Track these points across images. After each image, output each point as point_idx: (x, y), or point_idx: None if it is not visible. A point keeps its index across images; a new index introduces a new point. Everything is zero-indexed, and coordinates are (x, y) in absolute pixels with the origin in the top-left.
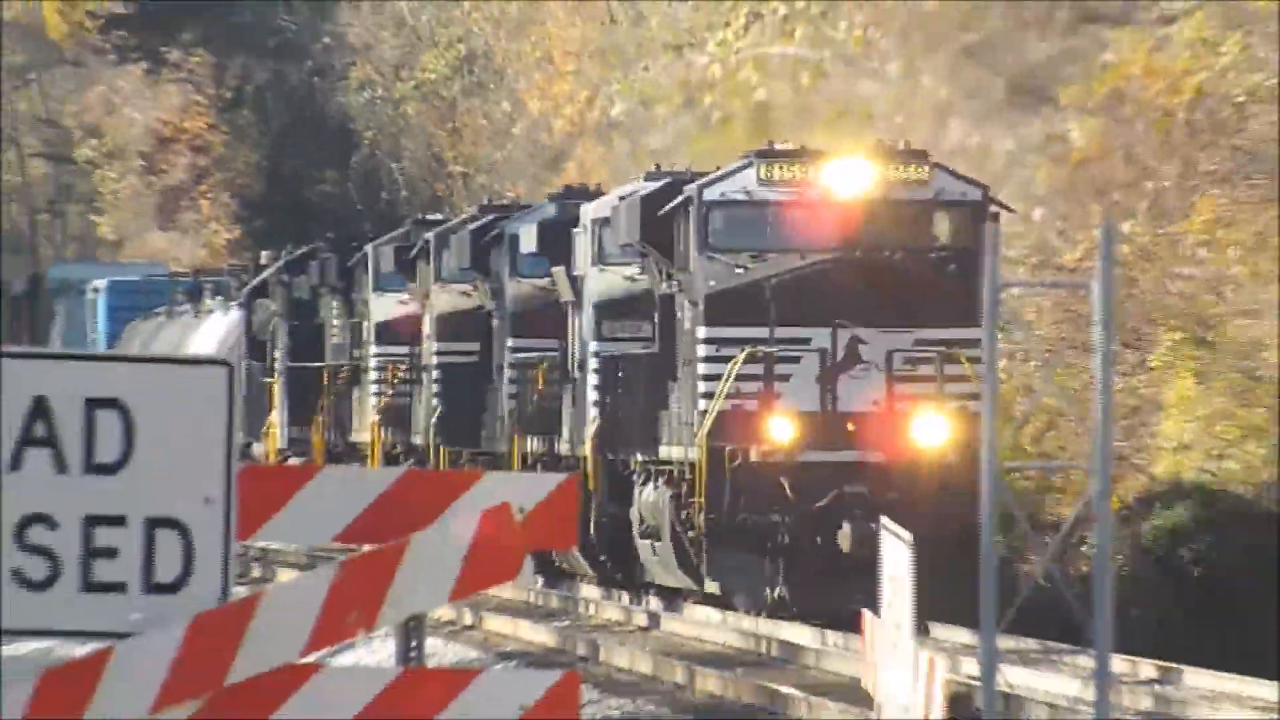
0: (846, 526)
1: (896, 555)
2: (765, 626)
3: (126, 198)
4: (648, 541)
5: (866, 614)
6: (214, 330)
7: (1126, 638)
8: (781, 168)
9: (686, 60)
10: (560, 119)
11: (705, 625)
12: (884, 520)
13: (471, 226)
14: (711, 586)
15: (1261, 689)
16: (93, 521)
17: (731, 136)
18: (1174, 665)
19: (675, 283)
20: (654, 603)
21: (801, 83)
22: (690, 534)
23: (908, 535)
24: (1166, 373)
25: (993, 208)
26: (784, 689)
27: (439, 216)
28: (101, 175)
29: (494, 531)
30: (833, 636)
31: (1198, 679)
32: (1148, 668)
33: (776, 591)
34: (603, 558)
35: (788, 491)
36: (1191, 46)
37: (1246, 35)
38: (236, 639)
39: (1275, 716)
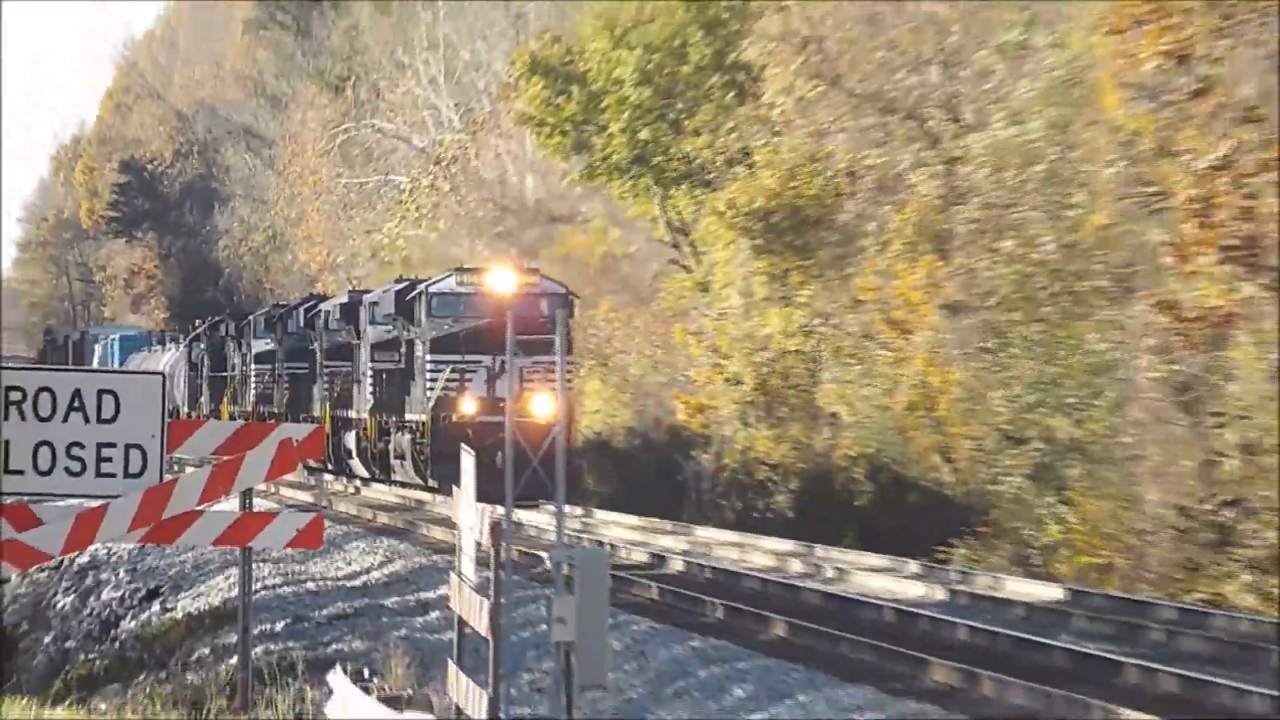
0: (499, 455)
1: (467, 460)
2: (411, 493)
3: (117, 299)
4: (398, 461)
5: (455, 488)
6: (167, 358)
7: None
8: (466, 276)
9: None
10: (314, 263)
11: (382, 493)
12: (463, 446)
13: (340, 300)
14: (432, 483)
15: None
16: (101, 445)
17: (393, 272)
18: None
19: (413, 333)
20: (358, 483)
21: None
22: (420, 457)
23: (471, 451)
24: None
25: (569, 295)
26: (418, 520)
27: (283, 302)
28: (106, 291)
29: (284, 450)
30: (441, 497)
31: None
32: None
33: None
34: (374, 469)
35: (470, 435)
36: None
37: None
38: (166, 497)
39: None
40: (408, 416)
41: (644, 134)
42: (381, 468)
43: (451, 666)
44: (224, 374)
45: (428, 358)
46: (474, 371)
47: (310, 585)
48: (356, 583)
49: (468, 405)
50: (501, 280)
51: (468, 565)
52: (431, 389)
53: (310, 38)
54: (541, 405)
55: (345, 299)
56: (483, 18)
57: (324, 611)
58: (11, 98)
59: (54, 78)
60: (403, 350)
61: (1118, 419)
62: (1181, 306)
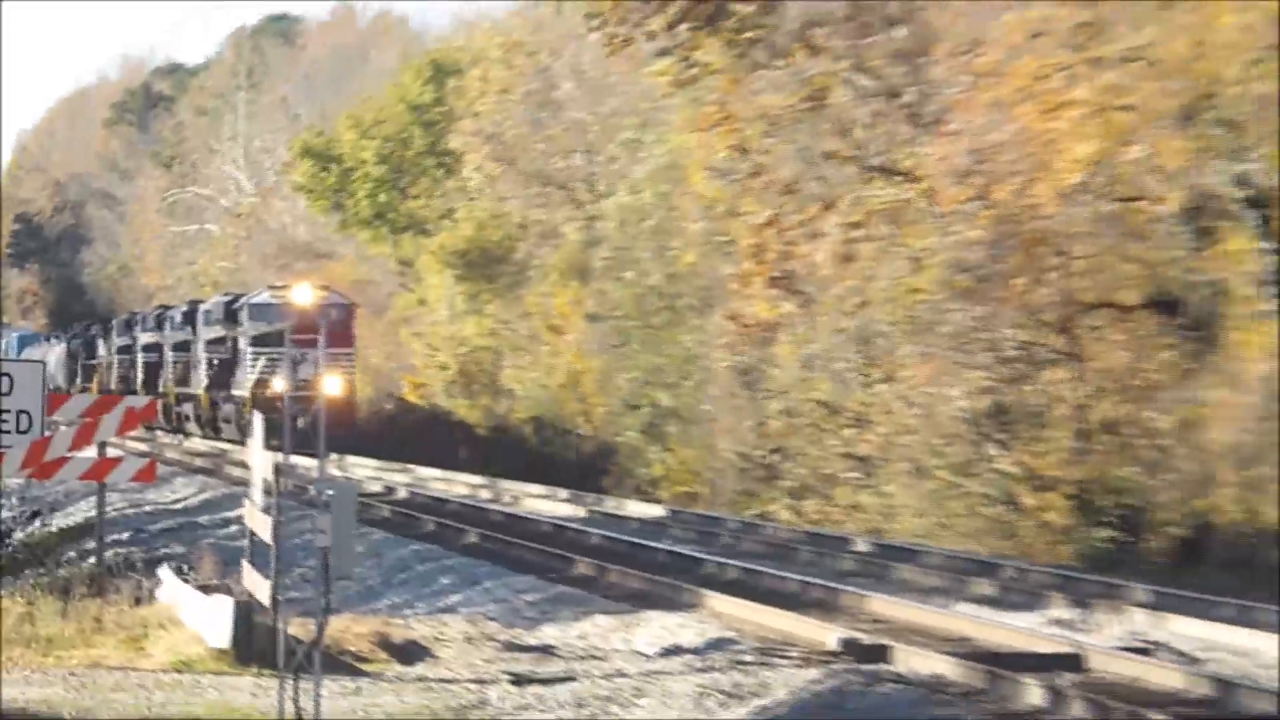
0: (300, 420)
1: (258, 422)
2: (219, 444)
3: (12, 310)
4: (225, 424)
5: (249, 439)
6: (53, 350)
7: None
8: (274, 291)
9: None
10: (153, 284)
11: (203, 442)
12: (257, 414)
13: (182, 309)
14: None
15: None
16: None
17: (209, 293)
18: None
19: (237, 332)
20: (183, 438)
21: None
22: (242, 421)
23: (261, 417)
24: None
25: (353, 305)
26: (222, 463)
27: (136, 311)
28: (6, 305)
29: (128, 415)
30: (241, 447)
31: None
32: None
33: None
34: (207, 431)
35: (279, 406)
36: None
37: None
38: (46, 446)
39: None
40: (234, 393)
41: (381, 198)
42: (213, 429)
43: (245, 564)
44: (93, 362)
45: (248, 350)
46: (281, 360)
47: (147, 508)
48: (179, 506)
49: (278, 385)
50: (302, 294)
51: (257, 493)
52: (252, 372)
53: (149, 130)
54: (331, 385)
55: (186, 308)
56: (270, 118)
57: (156, 526)
58: None
59: None
60: (229, 345)
61: (701, 394)
62: (743, 318)
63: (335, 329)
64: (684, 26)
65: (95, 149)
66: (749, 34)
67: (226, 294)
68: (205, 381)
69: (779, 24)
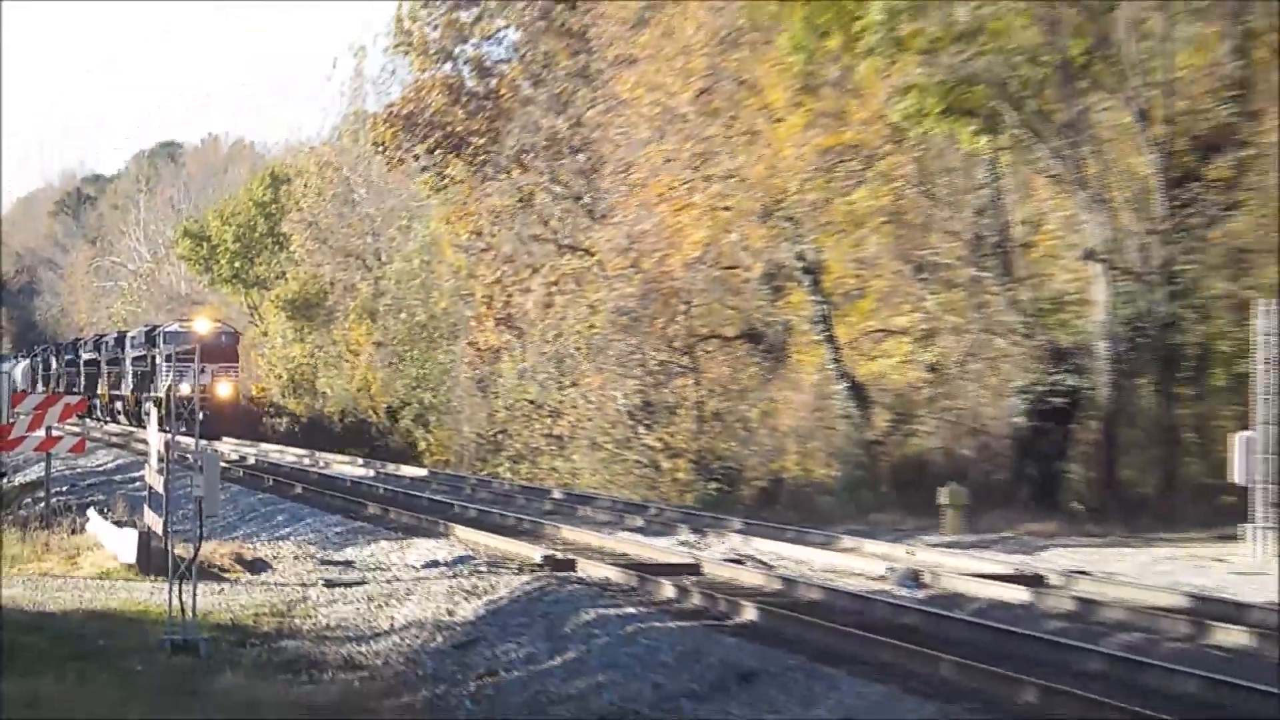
0: (202, 413)
1: (155, 413)
2: (130, 429)
3: None
4: (147, 416)
5: (149, 422)
6: (19, 366)
7: None
8: (182, 323)
9: (110, 310)
10: (82, 322)
11: (116, 427)
12: (154, 408)
13: (113, 335)
14: (167, 427)
15: None
16: None
17: (123, 327)
18: None
19: (155, 351)
20: (104, 423)
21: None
22: (159, 412)
23: (155, 410)
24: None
25: (238, 333)
26: (131, 440)
27: (78, 337)
28: None
29: (66, 408)
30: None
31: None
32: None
33: (182, 429)
34: (134, 422)
35: (190, 403)
36: None
37: None
38: (10, 428)
39: None
40: (153, 394)
41: (237, 264)
42: (137, 421)
43: (146, 508)
44: (48, 373)
45: (163, 364)
46: (188, 371)
47: (79, 470)
48: (101, 469)
49: (184, 389)
50: (201, 325)
51: (154, 460)
52: (167, 379)
53: (80, 219)
54: (222, 389)
55: (117, 335)
56: (161, 211)
57: (85, 483)
58: None
59: None
60: (149, 360)
61: (451, 395)
62: (478, 344)
63: (226, 350)
64: (438, 152)
65: (44, 232)
66: (481, 157)
67: (148, 325)
68: (132, 386)
69: (501, 150)
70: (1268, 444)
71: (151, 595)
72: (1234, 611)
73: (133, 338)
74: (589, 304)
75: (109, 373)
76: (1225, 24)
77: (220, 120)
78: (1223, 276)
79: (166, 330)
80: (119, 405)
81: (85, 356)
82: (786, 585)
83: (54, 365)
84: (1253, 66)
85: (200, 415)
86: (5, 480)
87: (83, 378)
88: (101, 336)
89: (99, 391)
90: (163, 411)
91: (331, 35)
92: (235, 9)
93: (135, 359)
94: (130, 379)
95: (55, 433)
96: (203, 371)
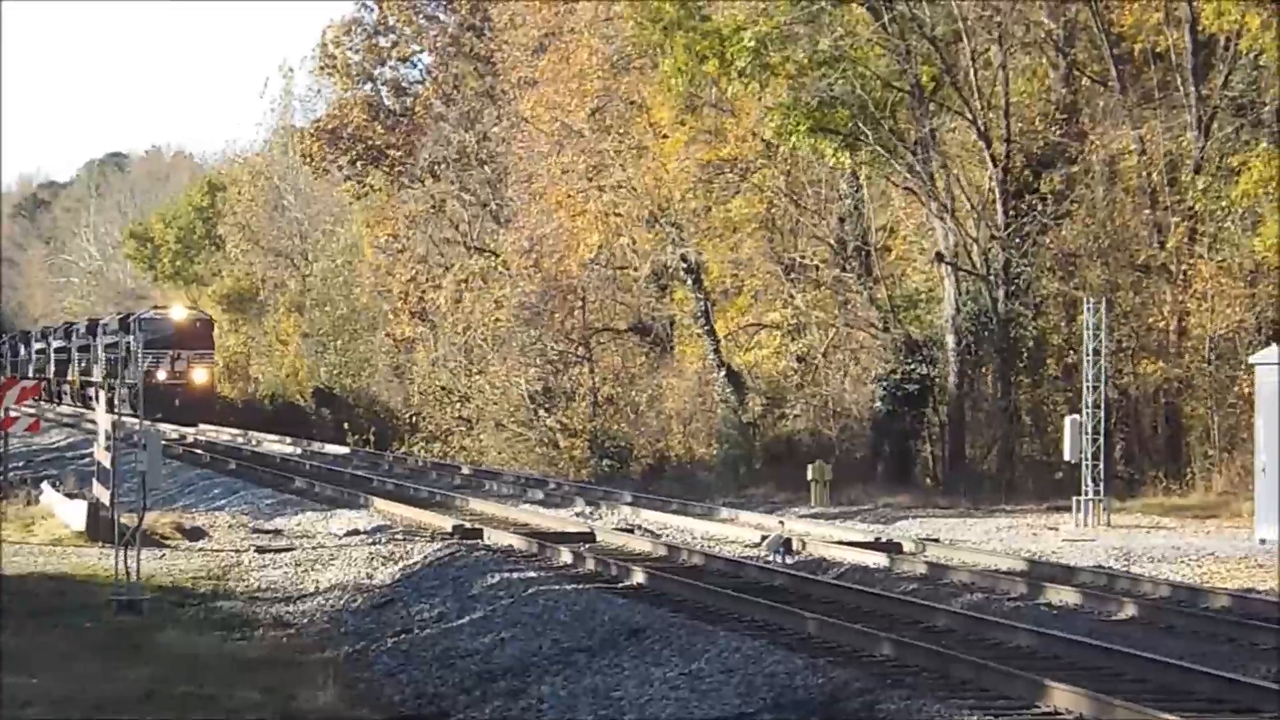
0: (178, 401)
1: (102, 396)
2: (80, 410)
3: None
4: (121, 404)
5: (96, 405)
6: None
7: None
8: (157, 309)
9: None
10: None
11: (68, 409)
12: (101, 392)
13: (84, 323)
14: (140, 414)
15: None
16: None
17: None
18: None
19: (130, 337)
20: (60, 406)
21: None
22: (133, 399)
23: (105, 394)
24: None
25: (211, 319)
26: (83, 422)
27: (49, 326)
28: None
29: (24, 390)
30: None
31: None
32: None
33: (160, 416)
34: (81, 403)
35: (161, 391)
36: None
37: None
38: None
39: None
40: (127, 381)
41: (179, 263)
42: (110, 406)
43: (95, 481)
44: (16, 360)
45: (138, 351)
46: (163, 358)
47: (35, 447)
48: (54, 446)
49: (160, 375)
50: (176, 313)
51: (102, 438)
52: (140, 366)
53: (36, 222)
54: (198, 376)
55: (87, 324)
56: (109, 215)
57: (40, 459)
58: None
59: None
60: (122, 348)
61: (372, 380)
62: (395, 335)
63: (200, 337)
64: (359, 163)
65: (6, 234)
66: (398, 168)
67: (120, 312)
68: (105, 372)
69: (416, 162)
70: (1093, 426)
71: (99, 560)
72: (1064, 573)
73: (105, 325)
74: (495, 300)
75: (79, 360)
76: (1054, 56)
77: (163, 132)
78: (1055, 278)
79: (142, 316)
80: (91, 391)
81: (56, 344)
82: (671, 551)
83: (22, 353)
84: (1079, 93)
85: (176, 402)
86: None
87: (52, 364)
88: (71, 325)
89: (69, 378)
90: (109, 394)
91: (265, 54)
92: (175, 18)
93: (108, 346)
94: (103, 365)
95: (13, 414)
96: (179, 358)
